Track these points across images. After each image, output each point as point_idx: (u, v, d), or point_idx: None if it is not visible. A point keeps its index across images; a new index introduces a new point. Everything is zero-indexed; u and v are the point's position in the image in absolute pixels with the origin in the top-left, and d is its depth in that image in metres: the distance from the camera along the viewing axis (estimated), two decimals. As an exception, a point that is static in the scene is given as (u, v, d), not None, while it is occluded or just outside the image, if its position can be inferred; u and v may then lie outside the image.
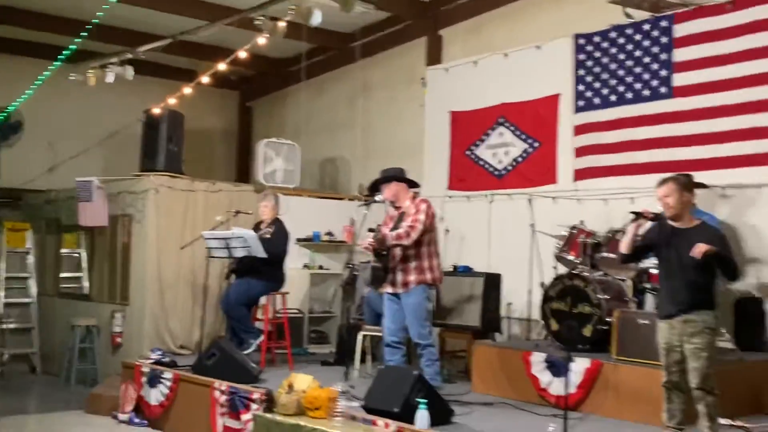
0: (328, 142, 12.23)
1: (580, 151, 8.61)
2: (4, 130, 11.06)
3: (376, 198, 6.47)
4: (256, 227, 8.11)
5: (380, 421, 5.09)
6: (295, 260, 9.80)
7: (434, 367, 6.23)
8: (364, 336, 7.69)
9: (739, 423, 5.73)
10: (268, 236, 7.72)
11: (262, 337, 7.80)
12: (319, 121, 12.45)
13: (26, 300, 10.51)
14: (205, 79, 7.82)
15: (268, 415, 5.37)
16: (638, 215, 4.99)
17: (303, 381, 5.49)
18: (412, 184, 6.61)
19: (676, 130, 7.75)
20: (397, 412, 5.14)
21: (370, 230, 6.19)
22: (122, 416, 7.27)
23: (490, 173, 9.56)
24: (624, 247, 5.07)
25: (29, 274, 10.57)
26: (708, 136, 7.51)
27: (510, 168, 9.36)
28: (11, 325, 10.32)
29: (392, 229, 6.29)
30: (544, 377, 6.39)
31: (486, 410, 6.15)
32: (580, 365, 6.19)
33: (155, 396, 7.13)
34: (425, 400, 5.04)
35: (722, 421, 5.68)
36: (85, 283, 9.99)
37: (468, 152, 9.83)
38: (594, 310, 6.43)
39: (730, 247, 4.93)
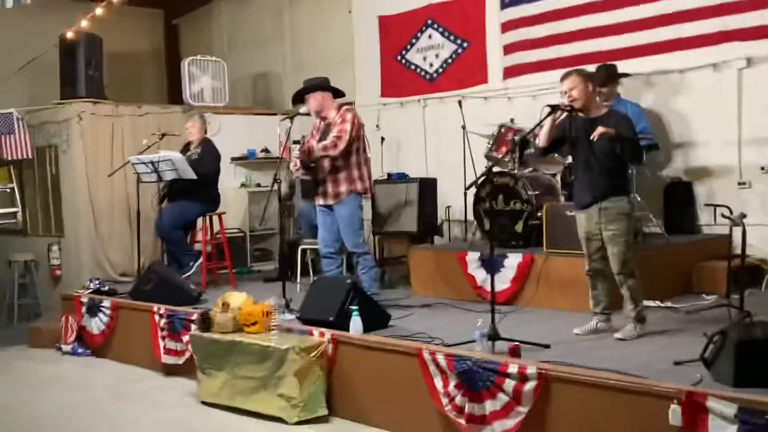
0: (257, 57, 11.93)
1: (508, 48, 8.54)
2: None
3: (300, 110, 6.36)
4: (185, 149, 7.97)
5: (315, 331, 5.14)
6: (231, 180, 9.71)
7: (370, 273, 6.27)
8: (303, 249, 7.69)
9: (667, 304, 5.92)
10: (196, 157, 7.58)
11: (201, 259, 7.75)
12: (247, 35, 12.10)
13: (-40, 238, 10.26)
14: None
15: (205, 335, 5.37)
16: (554, 108, 4.98)
17: (237, 298, 5.49)
18: (337, 94, 6.49)
19: (600, 20, 7.70)
20: (333, 320, 5.19)
21: (295, 143, 6.09)
22: (65, 347, 7.24)
23: (422, 77, 9.45)
24: (542, 140, 5.07)
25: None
26: (630, 24, 7.47)
27: (441, 71, 9.27)
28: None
29: (319, 141, 6.21)
30: (480, 275, 6.49)
31: (424, 312, 6.24)
32: (512, 260, 6.30)
33: (96, 325, 7.10)
34: (358, 308, 5.07)
35: (651, 302, 5.89)
36: (21, 218, 9.76)
37: (398, 57, 9.69)
38: (524, 206, 6.49)
39: (634, 131, 4.96)
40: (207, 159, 7.70)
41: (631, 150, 4.84)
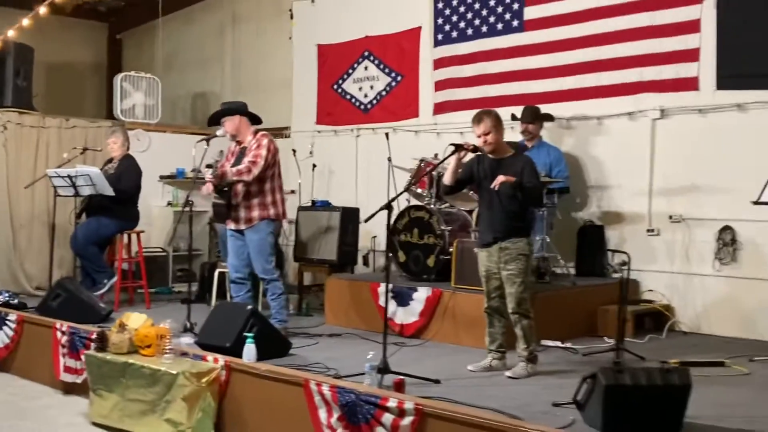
0: (198, 77, 11.94)
1: (439, 85, 8.68)
2: None
3: (217, 132, 6.36)
4: (107, 164, 7.90)
5: (210, 356, 5.10)
6: (158, 198, 9.64)
7: (279, 300, 6.26)
8: (221, 272, 7.65)
9: (567, 344, 6.02)
10: (112, 172, 7.53)
11: (115, 277, 7.66)
12: (189, 54, 12.11)
13: None
14: (42, 10, 7.36)
15: (99, 354, 5.29)
16: (458, 147, 5.07)
17: (135, 320, 5.42)
18: (255, 120, 6.50)
19: (526, 64, 7.90)
20: (229, 346, 5.16)
21: (208, 166, 6.07)
22: (-33, 360, 7.05)
23: (356, 107, 9.55)
24: (447, 178, 5.16)
25: None
26: (555, 69, 7.68)
27: (375, 102, 9.37)
28: None
29: (233, 165, 6.21)
30: (390, 307, 6.50)
31: (331, 341, 6.25)
32: (421, 294, 6.36)
33: (0, 338, 6.93)
34: (252, 335, 5.06)
35: (551, 342, 5.99)
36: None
37: (335, 86, 9.78)
38: (437, 241, 6.56)
39: (537, 175, 5.08)
40: (127, 175, 7.64)
41: (531, 197, 4.95)
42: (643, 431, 3.74)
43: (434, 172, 6.94)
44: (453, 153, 5.08)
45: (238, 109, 6.37)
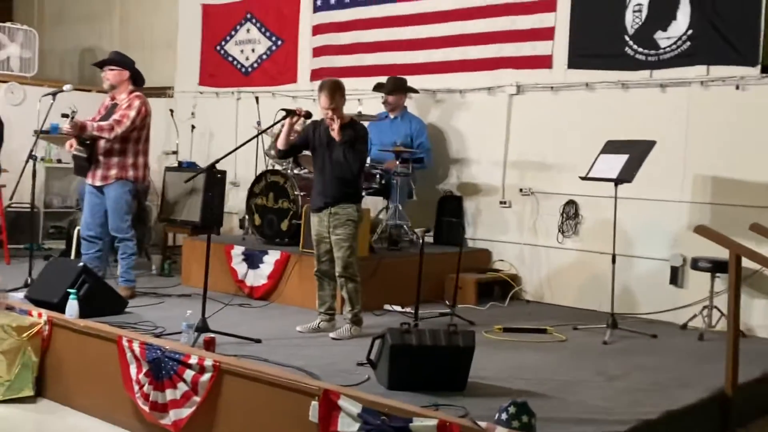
0: (87, 32, 11.64)
1: (317, 51, 8.72)
2: None
3: (64, 88, 6.27)
4: (-35, 117, 7.73)
5: (35, 311, 5.11)
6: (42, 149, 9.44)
7: (129, 260, 6.26)
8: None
9: (407, 309, 6.19)
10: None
11: (-27, 231, 7.53)
12: (78, 8, 11.80)
13: None
14: None
15: (-75, 307, 5.25)
16: (290, 112, 5.15)
17: (-33, 273, 5.38)
18: (139, 81, 6.42)
19: (398, 35, 7.99)
20: (56, 302, 5.16)
21: (64, 116, 5.97)
22: None
23: (238, 70, 9.51)
24: (280, 143, 5.24)
25: None
26: (424, 41, 7.79)
27: (256, 66, 9.35)
28: None
29: (101, 120, 6.15)
30: (241, 269, 6.61)
31: (177, 302, 6.26)
32: (271, 257, 6.45)
33: None
34: (75, 291, 5.07)
35: (393, 307, 6.17)
36: None
37: (218, 47, 9.71)
38: (291, 206, 6.65)
39: (365, 143, 5.20)
40: (-16, 128, 7.49)
41: (355, 160, 5.05)
42: (427, 388, 3.91)
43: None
44: (284, 118, 5.15)
45: (126, 63, 6.30)
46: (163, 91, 10.29)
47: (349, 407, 3.52)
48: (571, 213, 6.83)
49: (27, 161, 6.28)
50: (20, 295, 5.61)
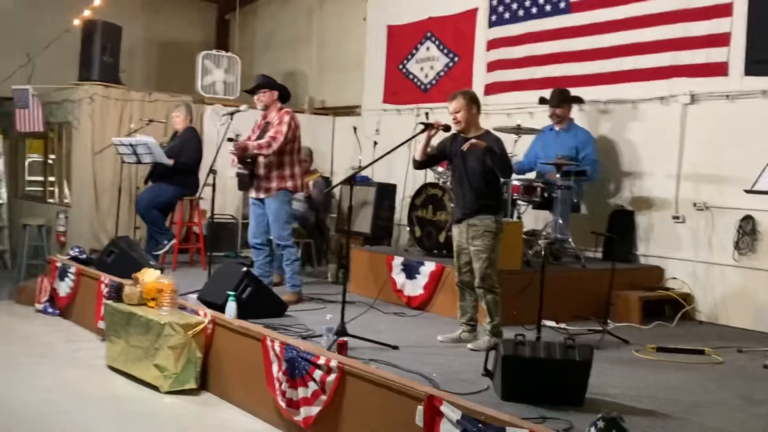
0: (289, 56, 12.49)
1: (491, 66, 8.79)
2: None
3: (240, 108, 6.83)
4: (173, 136, 8.59)
5: (201, 311, 5.60)
6: (231, 169, 10.24)
7: (293, 266, 6.67)
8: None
9: (561, 325, 6.08)
10: (174, 143, 8.20)
11: (174, 240, 8.34)
12: (284, 34, 12.70)
13: (-2, 202, 11.27)
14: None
15: (113, 304, 5.92)
16: (428, 126, 5.28)
17: (150, 275, 6.01)
18: (286, 97, 6.91)
19: (570, 46, 7.88)
20: (221, 304, 5.62)
21: (230, 140, 6.55)
22: (38, 306, 7.97)
23: (418, 87, 9.79)
24: (418, 155, 5.38)
25: (0, 177, 11.26)
26: (595, 52, 7.62)
27: (434, 82, 9.58)
28: (-18, 225, 11.11)
29: (257, 138, 6.67)
30: (400, 279, 6.81)
31: (338, 307, 6.55)
32: (427, 268, 6.59)
33: (63, 288, 7.78)
34: (234, 293, 5.50)
35: (548, 322, 6.08)
36: (49, 188, 10.73)
37: (401, 66, 10.05)
38: (448, 218, 6.75)
39: (504, 149, 5.19)
40: (187, 146, 8.28)
41: (502, 163, 5.07)
42: (542, 401, 3.86)
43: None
44: (423, 131, 5.29)
45: (274, 84, 6.81)
46: (351, 110, 10.82)
47: (450, 413, 3.57)
48: (748, 229, 6.38)
49: (207, 175, 6.85)
50: (195, 296, 6.16)
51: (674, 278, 6.92)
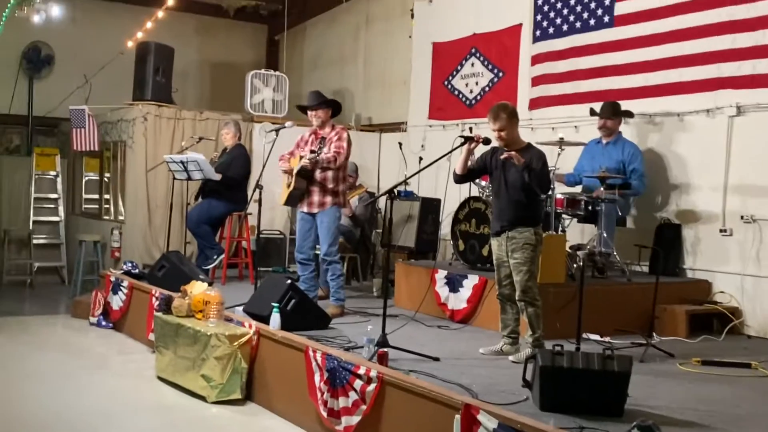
0: (336, 74, 12.68)
1: (535, 81, 8.80)
2: (36, 63, 12.03)
3: (286, 124, 6.97)
4: (222, 153, 8.80)
5: (247, 323, 5.72)
6: (280, 184, 10.43)
7: (338, 281, 6.77)
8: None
9: (605, 339, 6.05)
10: (223, 160, 8.40)
11: (223, 255, 8.51)
12: (331, 53, 12.90)
13: (55, 219, 11.64)
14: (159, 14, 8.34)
15: (163, 316, 6.08)
16: (468, 139, 5.33)
17: (198, 288, 6.16)
18: (336, 111, 7.04)
19: (615, 59, 7.86)
20: (266, 315, 5.74)
21: (312, 152, 6.63)
22: (92, 319, 8.21)
23: (463, 103, 9.86)
24: (457, 168, 5.43)
25: (58, 195, 11.66)
26: (641, 65, 7.60)
27: (479, 98, 9.63)
28: (41, 241, 11.48)
29: (312, 152, 6.76)
30: (443, 292, 6.85)
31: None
32: (470, 282, 6.62)
33: (116, 302, 8.00)
34: (278, 305, 5.61)
35: (592, 336, 6.06)
36: (105, 205, 11.06)
37: (445, 82, 10.13)
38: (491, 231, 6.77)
39: (545, 164, 5.20)
40: (236, 163, 8.48)
41: (539, 180, 5.09)
42: (581, 411, 3.86)
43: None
44: (462, 144, 5.34)
45: (328, 101, 6.94)
46: (397, 126, 10.93)
47: (486, 422, 3.61)
48: (797, 242, 6.27)
49: (254, 191, 7.00)
50: (241, 308, 6.29)
51: (722, 292, 6.82)
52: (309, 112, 6.92)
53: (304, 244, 6.87)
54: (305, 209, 6.87)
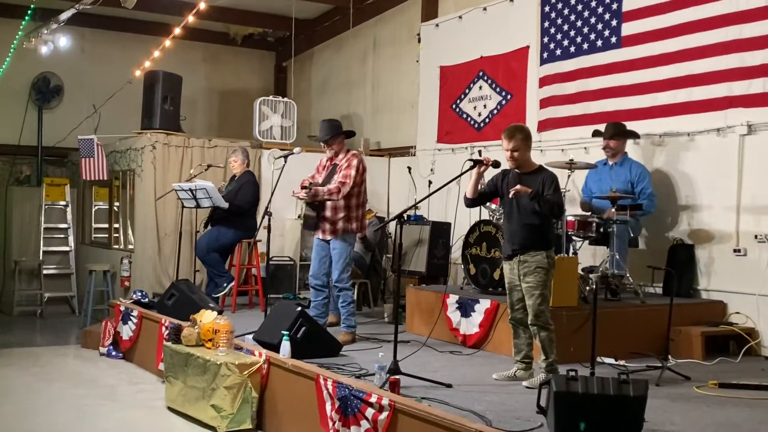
0: (344, 99, 12.71)
1: (544, 103, 8.78)
2: (45, 94, 12.10)
3: (294, 151, 6.96)
4: (231, 180, 8.79)
5: (257, 351, 5.67)
6: (291, 211, 10.44)
7: (348, 308, 6.71)
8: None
9: (620, 362, 5.96)
10: (231, 187, 8.39)
11: (233, 282, 8.47)
12: (338, 78, 12.94)
13: (65, 248, 11.63)
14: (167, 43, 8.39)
15: (172, 345, 6.03)
16: (477, 162, 5.29)
17: (208, 316, 6.11)
18: (348, 134, 7.04)
19: (622, 80, 7.84)
20: (276, 343, 5.68)
21: (303, 187, 6.64)
22: (102, 349, 8.16)
23: (471, 126, 9.84)
24: (469, 192, 5.39)
25: (68, 225, 11.66)
26: (649, 85, 7.57)
27: (487, 120, 9.61)
28: (52, 271, 11.46)
29: (324, 181, 6.76)
30: (455, 317, 6.79)
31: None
32: (482, 306, 6.55)
33: (126, 331, 7.96)
34: (288, 333, 5.55)
35: (606, 359, 5.98)
36: (114, 234, 11.07)
37: (453, 106, 10.13)
38: (502, 255, 6.71)
39: (557, 187, 5.16)
40: (244, 190, 8.46)
41: (550, 207, 5.05)
42: (596, 439, 3.79)
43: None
44: (471, 168, 5.30)
45: (341, 129, 6.96)
46: (406, 150, 10.91)
47: (500, 451, 3.53)
48: (812, 261, 6.18)
49: (263, 218, 6.97)
50: (251, 337, 6.23)
51: (737, 313, 6.73)
52: (325, 145, 6.93)
53: (319, 270, 6.83)
54: (320, 236, 6.84)
